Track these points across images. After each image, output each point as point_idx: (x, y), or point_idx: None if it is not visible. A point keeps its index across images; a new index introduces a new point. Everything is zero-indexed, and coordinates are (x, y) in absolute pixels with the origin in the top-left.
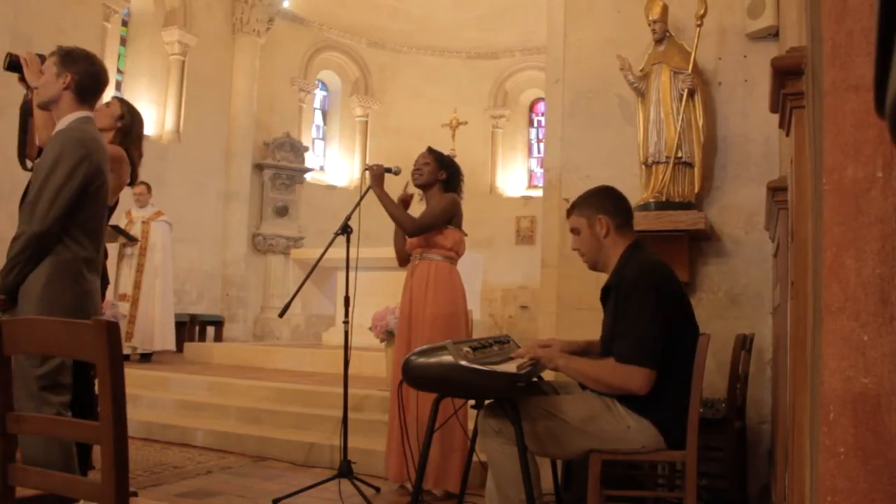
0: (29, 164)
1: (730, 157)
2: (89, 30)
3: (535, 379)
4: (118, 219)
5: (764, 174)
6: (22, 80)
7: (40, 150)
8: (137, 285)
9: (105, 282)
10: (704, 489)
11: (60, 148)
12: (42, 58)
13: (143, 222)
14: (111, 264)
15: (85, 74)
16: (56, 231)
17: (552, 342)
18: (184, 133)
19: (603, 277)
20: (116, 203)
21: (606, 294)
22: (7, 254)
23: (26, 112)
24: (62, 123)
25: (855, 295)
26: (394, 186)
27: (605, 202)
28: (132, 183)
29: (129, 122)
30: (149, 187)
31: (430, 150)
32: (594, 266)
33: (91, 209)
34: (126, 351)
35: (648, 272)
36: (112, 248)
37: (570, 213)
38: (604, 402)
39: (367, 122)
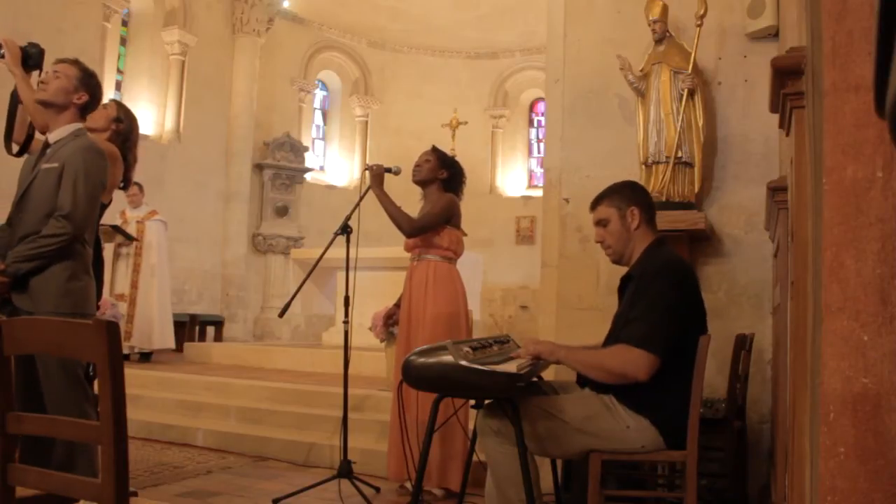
0: (15, 147)
1: (730, 157)
2: (89, 30)
3: (535, 379)
4: (112, 219)
5: (764, 174)
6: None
7: (28, 139)
8: (134, 285)
9: (99, 283)
10: (704, 489)
11: (88, 159)
12: (36, 48)
13: (138, 222)
14: (106, 264)
15: (95, 98)
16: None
17: (544, 343)
18: (184, 133)
19: (607, 276)
20: (110, 202)
21: (625, 284)
22: (30, 243)
23: (16, 98)
24: (64, 131)
25: (855, 295)
26: (394, 186)
27: (637, 195)
28: (125, 187)
29: (126, 128)
30: (140, 187)
31: (434, 149)
32: (619, 259)
33: (99, 213)
34: (124, 350)
35: (671, 266)
36: (107, 248)
37: (597, 204)
38: (603, 402)
39: (367, 122)
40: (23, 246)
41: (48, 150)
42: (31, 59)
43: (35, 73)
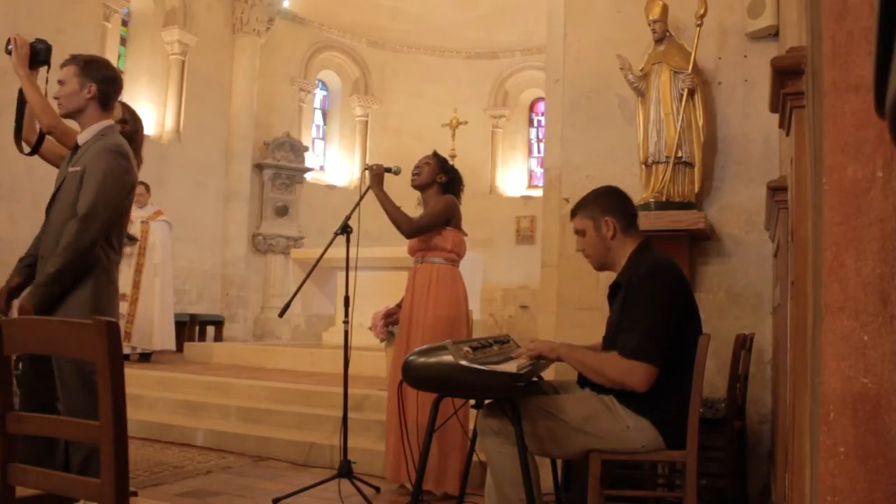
0: (26, 148)
1: (730, 156)
2: (89, 30)
3: (535, 379)
4: None
5: (764, 174)
6: None
7: (40, 138)
8: (136, 285)
9: None
10: (704, 489)
11: (109, 161)
12: (44, 44)
13: (143, 222)
14: None
15: (106, 81)
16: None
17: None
18: (184, 133)
19: (607, 276)
20: None
21: (615, 291)
22: (49, 266)
23: (24, 97)
24: (91, 131)
25: (855, 295)
26: (394, 186)
27: (611, 203)
28: None
29: (132, 129)
30: (147, 187)
31: (435, 154)
32: (601, 267)
33: (126, 216)
34: (125, 350)
35: (659, 271)
36: None
37: (574, 214)
38: (603, 402)
39: (367, 121)
40: (44, 272)
41: (76, 153)
42: (39, 55)
43: (43, 70)
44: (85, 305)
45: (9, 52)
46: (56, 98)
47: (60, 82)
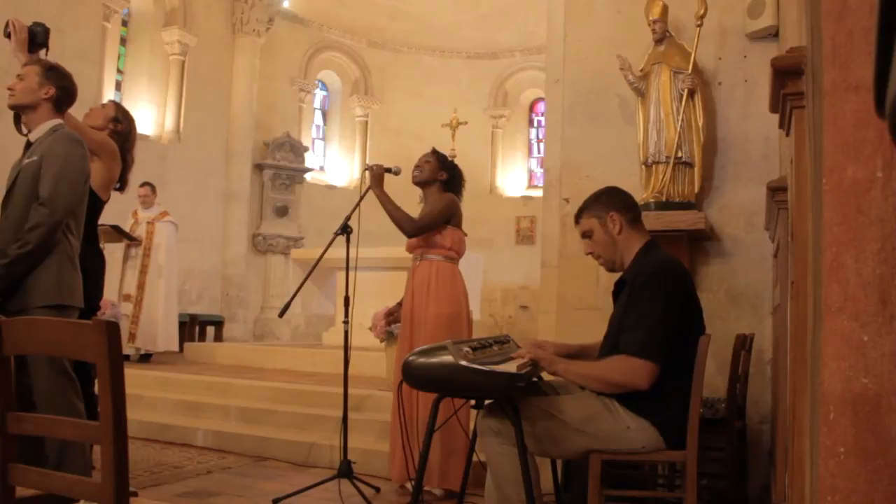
0: (25, 129)
1: (730, 157)
2: (89, 30)
3: (535, 379)
4: (124, 219)
5: (764, 174)
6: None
7: None
8: (141, 286)
9: (101, 282)
10: (704, 489)
11: (66, 147)
12: (42, 27)
13: (148, 223)
14: (116, 265)
15: (64, 89)
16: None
17: (544, 344)
18: (184, 133)
19: (607, 276)
20: (108, 199)
21: (619, 288)
22: (13, 247)
23: None
24: (43, 128)
25: (855, 295)
26: (394, 186)
27: (614, 200)
28: (121, 188)
29: (126, 129)
30: (153, 188)
31: (434, 151)
32: (612, 266)
33: (83, 204)
34: (129, 351)
35: (665, 269)
36: (116, 249)
37: (578, 217)
38: (603, 403)
39: (367, 122)
40: (10, 254)
41: (29, 149)
42: (37, 37)
43: (42, 52)
44: (50, 288)
45: (7, 36)
46: (9, 89)
47: (20, 76)
